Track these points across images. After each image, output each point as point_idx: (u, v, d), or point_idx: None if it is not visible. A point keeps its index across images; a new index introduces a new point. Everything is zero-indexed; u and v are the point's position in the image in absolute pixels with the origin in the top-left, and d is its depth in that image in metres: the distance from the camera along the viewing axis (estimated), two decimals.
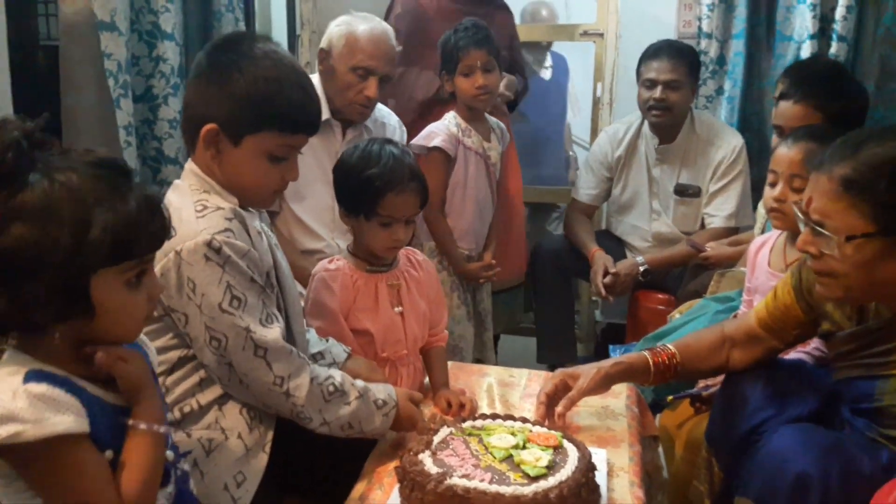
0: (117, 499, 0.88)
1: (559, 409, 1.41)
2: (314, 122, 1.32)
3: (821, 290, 1.26)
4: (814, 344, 1.55)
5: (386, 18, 2.43)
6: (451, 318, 2.19)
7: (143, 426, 0.92)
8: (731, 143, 2.60)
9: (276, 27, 2.88)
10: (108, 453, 0.90)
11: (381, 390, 1.36)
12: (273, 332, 1.24)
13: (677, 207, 2.69)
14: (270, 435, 1.30)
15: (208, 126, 1.24)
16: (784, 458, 1.18)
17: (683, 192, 2.67)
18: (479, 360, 2.35)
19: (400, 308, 1.58)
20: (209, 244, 1.18)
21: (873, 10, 2.70)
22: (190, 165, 1.30)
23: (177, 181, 1.31)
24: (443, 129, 2.19)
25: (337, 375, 1.32)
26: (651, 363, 1.47)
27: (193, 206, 1.22)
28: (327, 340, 1.51)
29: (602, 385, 1.44)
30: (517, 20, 3.44)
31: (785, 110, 1.96)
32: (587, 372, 1.44)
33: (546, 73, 3.53)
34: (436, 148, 2.17)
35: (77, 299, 0.86)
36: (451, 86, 2.20)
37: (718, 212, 2.61)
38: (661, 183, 2.70)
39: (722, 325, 1.56)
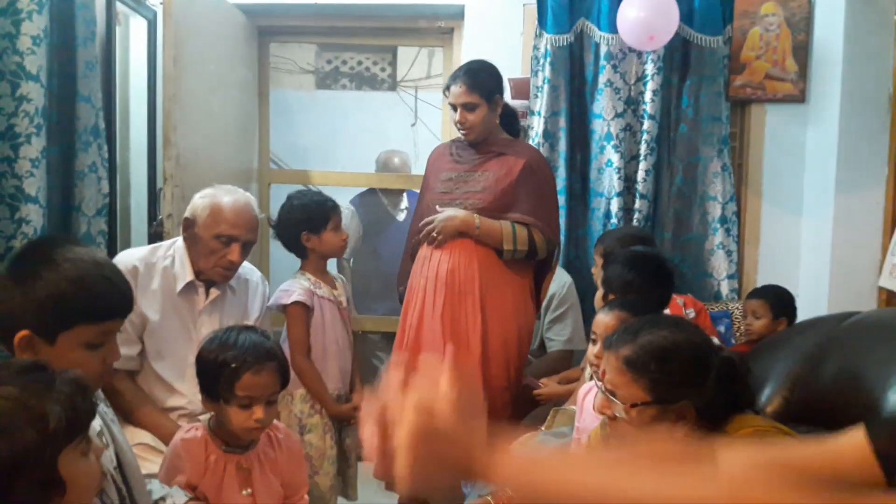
0: None
1: None
2: (124, 306, 1.38)
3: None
4: None
5: None
6: (325, 459, 2.32)
7: None
8: (562, 280, 3.01)
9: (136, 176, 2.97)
10: None
11: None
12: None
13: None
14: None
15: (21, 333, 1.28)
16: None
17: None
18: (344, 496, 2.45)
19: (249, 490, 1.66)
20: None
21: (667, 173, 3.26)
22: None
23: None
24: (297, 286, 2.38)
25: None
26: None
27: None
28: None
29: None
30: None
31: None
32: None
33: (401, 216, 3.80)
34: (296, 302, 2.36)
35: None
36: (316, 242, 2.41)
37: (558, 336, 2.98)
38: None
39: None
